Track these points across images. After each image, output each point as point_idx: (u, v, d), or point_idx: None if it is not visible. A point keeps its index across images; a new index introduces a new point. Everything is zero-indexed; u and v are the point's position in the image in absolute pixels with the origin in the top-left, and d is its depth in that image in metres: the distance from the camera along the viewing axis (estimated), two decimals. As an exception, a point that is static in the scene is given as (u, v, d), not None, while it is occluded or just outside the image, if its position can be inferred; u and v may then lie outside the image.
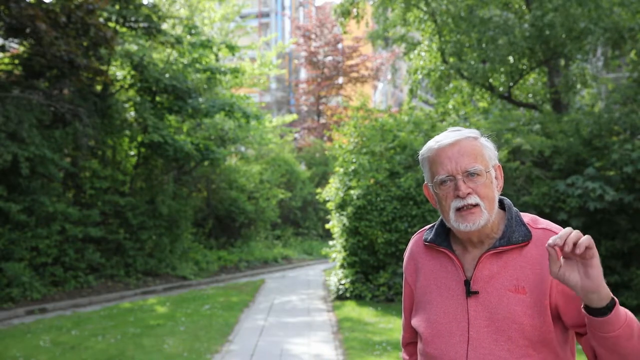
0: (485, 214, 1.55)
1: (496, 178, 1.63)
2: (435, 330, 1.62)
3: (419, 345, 1.70)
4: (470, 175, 1.56)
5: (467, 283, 1.59)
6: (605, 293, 1.38)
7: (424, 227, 1.81)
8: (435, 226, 1.72)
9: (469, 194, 1.55)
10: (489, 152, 1.62)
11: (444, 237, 1.68)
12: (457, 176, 1.56)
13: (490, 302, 1.56)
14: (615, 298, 1.41)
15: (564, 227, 1.47)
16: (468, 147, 1.58)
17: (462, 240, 1.64)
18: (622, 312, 1.42)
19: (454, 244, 1.67)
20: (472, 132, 1.62)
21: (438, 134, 1.67)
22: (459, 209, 1.56)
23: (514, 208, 1.65)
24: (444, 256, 1.68)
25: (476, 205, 1.55)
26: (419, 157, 1.68)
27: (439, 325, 1.62)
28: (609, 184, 9.23)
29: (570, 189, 9.26)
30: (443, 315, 1.62)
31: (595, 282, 1.35)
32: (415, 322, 1.71)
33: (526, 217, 1.64)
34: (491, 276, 1.58)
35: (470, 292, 1.58)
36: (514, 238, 1.58)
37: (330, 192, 11.69)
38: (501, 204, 1.66)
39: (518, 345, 1.52)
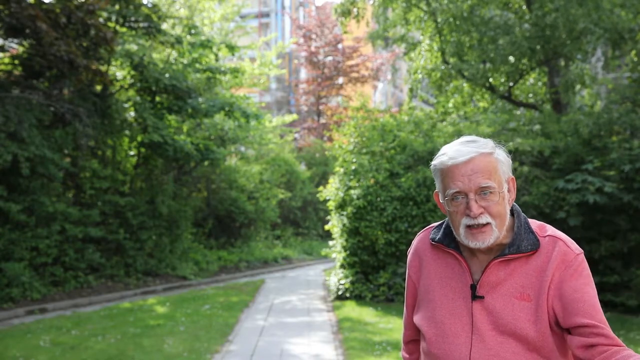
0: (495, 232, 1.55)
1: (509, 191, 1.61)
2: (439, 331, 1.62)
3: (422, 345, 1.70)
4: (482, 193, 1.54)
5: (473, 287, 1.59)
6: None
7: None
8: (444, 226, 1.70)
9: (480, 214, 1.54)
10: (503, 167, 1.59)
11: (452, 239, 1.67)
12: (469, 194, 1.54)
13: (494, 307, 1.56)
14: None
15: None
16: (482, 164, 1.55)
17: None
18: None
19: (461, 246, 1.65)
20: (487, 146, 1.59)
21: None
22: (469, 227, 1.55)
23: (523, 215, 1.64)
24: (451, 257, 1.67)
25: (487, 224, 1.54)
26: (432, 166, 1.65)
27: (443, 325, 1.62)
28: (608, 182, 9.24)
29: (570, 184, 9.26)
30: (448, 316, 1.61)
31: None
32: (417, 319, 1.71)
33: (534, 224, 1.63)
34: (498, 282, 1.58)
35: (475, 297, 1.58)
36: (523, 246, 1.57)
37: (330, 192, 11.69)
38: (510, 210, 1.64)
39: (523, 349, 1.53)
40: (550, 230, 1.62)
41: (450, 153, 1.58)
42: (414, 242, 1.80)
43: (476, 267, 1.61)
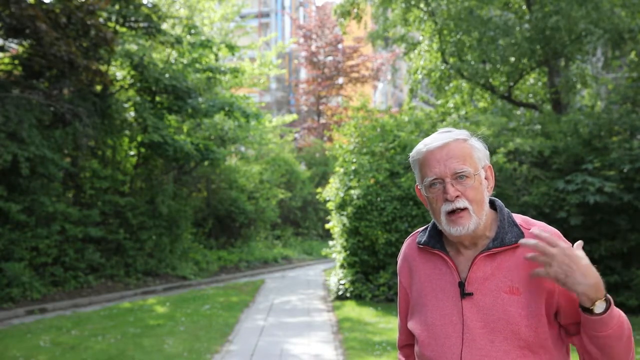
0: (474, 218, 1.56)
1: (486, 179, 1.63)
2: (431, 333, 1.62)
3: (416, 348, 1.70)
4: (459, 177, 1.56)
5: (461, 285, 1.59)
6: (597, 293, 1.41)
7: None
8: (429, 228, 1.72)
9: (457, 197, 1.55)
10: (479, 154, 1.61)
11: (438, 239, 1.68)
12: (445, 179, 1.56)
13: (484, 303, 1.56)
14: (610, 298, 1.44)
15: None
16: (457, 150, 1.58)
17: (455, 242, 1.64)
18: (616, 312, 1.45)
19: (447, 246, 1.66)
20: (462, 134, 1.62)
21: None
22: (449, 213, 1.56)
23: (506, 209, 1.65)
24: (437, 258, 1.67)
25: (464, 209, 1.55)
26: (410, 159, 1.68)
27: (435, 327, 1.62)
28: (608, 182, 9.24)
29: (570, 185, 9.26)
30: (439, 317, 1.61)
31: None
32: (411, 325, 1.70)
33: (518, 218, 1.64)
34: (485, 278, 1.58)
35: (464, 294, 1.58)
36: (506, 239, 1.58)
37: (331, 192, 11.69)
38: (492, 205, 1.66)
39: (514, 345, 1.52)
40: (537, 224, 1.62)
41: (425, 141, 1.63)
42: (402, 249, 1.81)
43: (463, 266, 1.62)
